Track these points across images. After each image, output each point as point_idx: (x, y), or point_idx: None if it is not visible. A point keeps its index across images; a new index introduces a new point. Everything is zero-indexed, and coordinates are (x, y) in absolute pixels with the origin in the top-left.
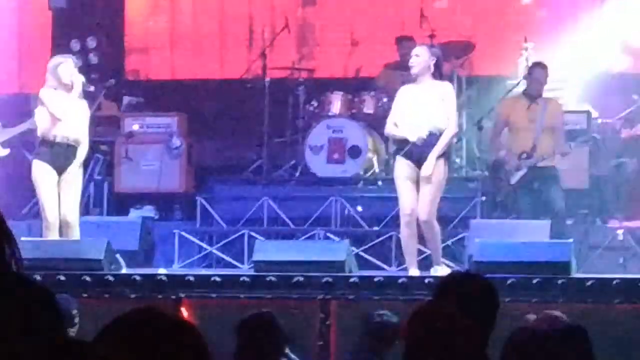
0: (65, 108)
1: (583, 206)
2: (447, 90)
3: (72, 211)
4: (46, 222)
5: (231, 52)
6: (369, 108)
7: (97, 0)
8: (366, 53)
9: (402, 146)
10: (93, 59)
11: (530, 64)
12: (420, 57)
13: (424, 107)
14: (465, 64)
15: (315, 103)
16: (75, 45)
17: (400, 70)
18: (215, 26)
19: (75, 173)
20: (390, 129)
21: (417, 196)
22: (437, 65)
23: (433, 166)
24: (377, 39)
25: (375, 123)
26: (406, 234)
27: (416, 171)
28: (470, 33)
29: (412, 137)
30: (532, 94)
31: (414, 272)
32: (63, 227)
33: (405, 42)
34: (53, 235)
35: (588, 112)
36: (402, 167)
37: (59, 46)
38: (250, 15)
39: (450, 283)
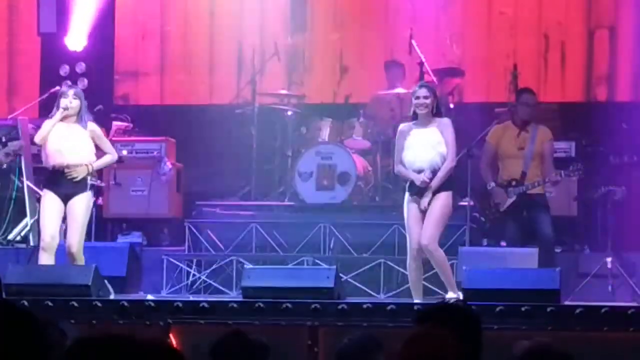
0: (49, 131)
1: (572, 234)
2: (445, 124)
3: (72, 244)
4: (42, 242)
5: (220, 77)
6: (358, 134)
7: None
8: (355, 80)
9: (412, 185)
10: (82, 84)
11: (517, 90)
12: (429, 99)
13: (428, 149)
14: (454, 91)
15: (304, 129)
16: (64, 70)
17: (388, 98)
18: (205, 52)
19: (79, 203)
20: (398, 168)
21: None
22: (437, 104)
23: (429, 199)
24: (366, 66)
25: (365, 150)
26: (413, 266)
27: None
28: (460, 60)
29: (417, 182)
30: (521, 120)
31: (419, 300)
32: (68, 256)
33: (394, 67)
34: (48, 256)
35: (576, 140)
36: (411, 204)
37: (48, 71)
38: (239, 41)
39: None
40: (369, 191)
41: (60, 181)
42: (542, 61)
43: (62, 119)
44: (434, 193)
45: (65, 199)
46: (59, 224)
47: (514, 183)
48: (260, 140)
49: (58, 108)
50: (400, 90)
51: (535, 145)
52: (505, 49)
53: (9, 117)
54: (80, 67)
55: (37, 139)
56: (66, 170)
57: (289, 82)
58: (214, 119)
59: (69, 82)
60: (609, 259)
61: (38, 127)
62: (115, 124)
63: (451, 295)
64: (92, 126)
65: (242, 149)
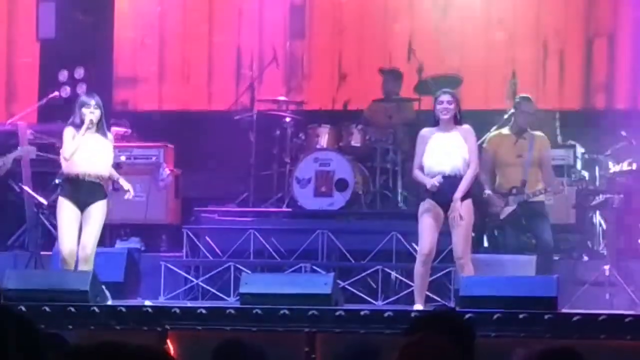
0: (78, 146)
1: (570, 241)
2: (468, 131)
3: (87, 245)
4: (61, 255)
5: (219, 84)
6: (356, 141)
7: (86, 31)
8: (354, 86)
9: (430, 190)
10: (81, 89)
11: (517, 97)
12: (453, 105)
13: (450, 153)
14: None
15: (302, 136)
16: (63, 76)
17: (387, 104)
18: (204, 58)
19: (97, 209)
20: (415, 173)
21: (436, 238)
22: (459, 111)
23: (459, 208)
24: (365, 72)
25: (363, 156)
26: (420, 272)
27: (441, 214)
28: (458, 67)
29: (428, 186)
30: (520, 128)
31: (419, 307)
32: (79, 260)
33: (388, 74)
34: (65, 267)
35: (574, 148)
36: (428, 209)
37: (47, 77)
38: (238, 47)
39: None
40: (367, 198)
41: (79, 190)
42: (541, 69)
43: (77, 126)
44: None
45: (83, 207)
46: (76, 236)
47: (514, 191)
48: (259, 146)
49: (79, 117)
50: (397, 96)
51: (534, 152)
52: (504, 56)
53: (8, 122)
54: (79, 72)
55: (67, 154)
56: (93, 181)
57: (288, 89)
58: (213, 125)
59: (68, 88)
60: (606, 267)
61: (37, 132)
62: (114, 129)
63: None
64: (110, 136)
65: (240, 155)
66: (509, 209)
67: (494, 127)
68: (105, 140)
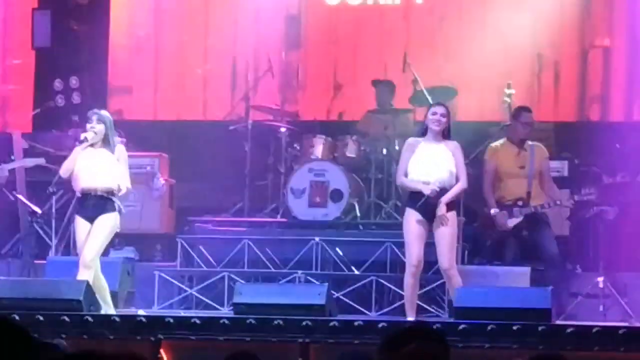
0: (82, 160)
1: (564, 253)
2: (457, 146)
3: (85, 254)
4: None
5: (214, 93)
6: (351, 152)
7: (81, 40)
8: (349, 97)
9: (415, 198)
10: (76, 98)
11: (514, 108)
12: (446, 118)
13: (438, 164)
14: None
15: (297, 146)
16: (58, 85)
17: (382, 115)
18: (199, 67)
19: (101, 221)
20: (402, 180)
21: (423, 249)
22: (449, 125)
23: (444, 211)
24: (360, 83)
25: (358, 167)
26: (410, 284)
27: (426, 225)
28: (453, 78)
29: (426, 191)
30: (519, 139)
31: (411, 319)
32: (78, 267)
33: (381, 85)
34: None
35: (570, 159)
36: (413, 220)
37: (42, 86)
38: (233, 57)
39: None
40: (361, 209)
41: (88, 205)
42: (536, 81)
43: (91, 144)
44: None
45: (92, 221)
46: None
47: (520, 203)
48: (253, 156)
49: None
50: (390, 107)
51: (535, 163)
52: (499, 68)
53: (3, 131)
54: (74, 81)
55: (62, 172)
56: (102, 195)
57: (283, 99)
58: (208, 135)
59: (63, 97)
60: (600, 279)
61: (31, 140)
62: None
63: None
64: (120, 149)
65: (235, 165)
66: (514, 221)
67: (490, 140)
68: (110, 155)
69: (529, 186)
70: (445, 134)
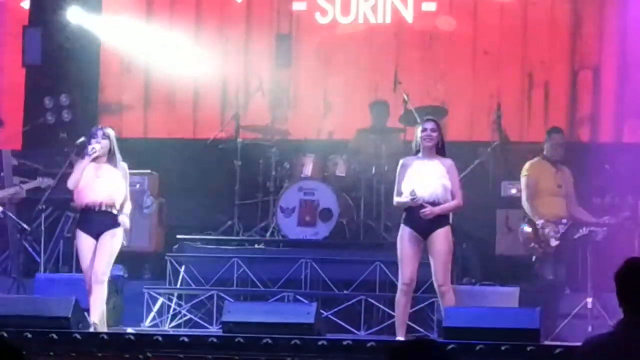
0: (86, 176)
1: (553, 273)
2: (451, 164)
3: (96, 271)
4: (87, 286)
5: (204, 112)
6: (341, 171)
7: (72, 58)
8: (339, 116)
9: (410, 216)
10: (66, 116)
11: (548, 128)
12: (436, 134)
13: (432, 180)
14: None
15: (287, 165)
16: (48, 102)
17: (373, 134)
18: (189, 86)
19: (106, 237)
20: (396, 199)
21: (417, 267)
22: (442, 140)
23: (433, 210)
24: (350, 102)
25: (348, 186)
26: (401, 302)
27: (421, 243)
28: (443, 98)
29: (411, 202)
30: (554, 159)
31: (401, 338)
32: (93, 283)
33: (379, 107)
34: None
35: None
36: (407, 238)
37: (32, 103)
38: (224, 75)
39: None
40: (351, 228)
41: (92, 220)
42: (526, 100)
43: (94, 159)
44: (435, 229)
45: (97, 236)
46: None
47: (564, 221)
48: (243, 175)
49: (88, 147)
50: (384, 127)
51: (568, 182)
52: (489, 88)
53: None
54: (65, 99)
55: (70, 184)
56: (105, 210)
57: (273, 118)
58: (198, 153)
59: (53, 115)
60: (589, 300)
61: (21, 158)
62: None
63: None
64: (124, 166)
65: (225, 183)
66: (558, 236)
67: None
68: (115, 170)
69: (568, 205)
70: (440, 150)
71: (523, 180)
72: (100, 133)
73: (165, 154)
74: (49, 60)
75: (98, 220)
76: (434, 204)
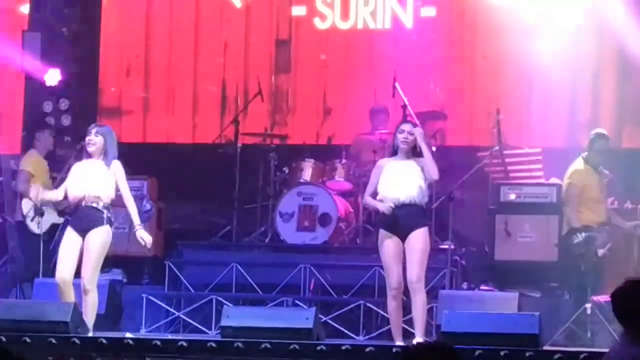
0: (76, 172)
1: (552, 279)
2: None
3: (84, 277)
4: (56, 280)
5: (204, 116)
6: (340, 176)
7: (71, 62)
8: (338, 121)
9: (384, 218)
10: (65, 121)
11: (592, 134)
12: (414, 136)
13: (407, 180)
14: (437, 134)
15: (286, 170)
16: (47, 107)
17: (372, 139)
18: (189, 90)
19: (93, 237)
20: (366, 200)
21: (401, 269)
22: (417, 145)
23: (416, 216)
24: (349, 107)
25: (346, 191)
26: (393, 307)
27: (400, 244)
28: (443, 103)
29: (381, 209)
30: (595, 165)
31: (399, 343)
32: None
33: (379, 113)
34: (61, 296)
35: (558, 185)
36: (386, 241)
37: (32, 108)
38: (223, 80)
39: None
40: (349, 233)
41: (78, 216)
42: (525, 106)
43: (88, 156)
44: (412, 229)
45: (83, 234)
46: (74, 262)
47: (607, 228)
48: (242, 179)
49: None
50: (383, 131)
51: (605, 188)
52: (489, 93)
53: None
54: (64, 103)
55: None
56: (92, 206)
57: (272, 122)
58: (197, 158)
59: (52, 119)
60: (588, 305)
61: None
62: None
63: (419, 340)
64: (116, 165)
65: (224, 188)
66: (607, 246)
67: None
68: (105, 167)
69: (608, 212)
70: (416, 152)
71: (568, 188)
72: (93, 130)
73: (164, 159)
74: (48, 65)
75: (82, 215)
76: (410, 205)
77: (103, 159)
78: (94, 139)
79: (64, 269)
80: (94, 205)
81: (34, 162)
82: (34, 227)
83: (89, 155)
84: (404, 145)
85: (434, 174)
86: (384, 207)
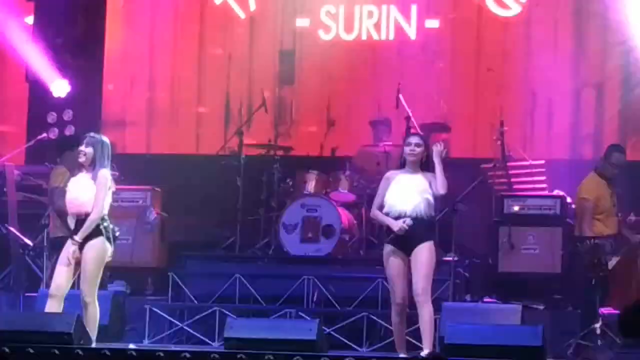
0: (71, 186)
1: (555, 291)
2: (433, 176)
3: (82, 291)
4: (50, 289)
5: (208, 128)
6: (343, 187)
7: (75, 73)
8: (342, 133)
9: (391, 233)
10: (69, 131)
11: (608, 146)
12: (421, 149)
13: (415, 194)
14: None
15: (290, 181)
16: (51, 117)
17: (376, 151)
18: (193, 101)
19: (89, 250)
20: (375, 213)
21: (406, 284)
22: (428, 156)
23: (422, 231)
24: (353, 119)
25: (350, 203)
26: (396, 322)
27: (406, 259)
28: (446, 115)
29: (395, 228)
30: (609, 177)
31: (403, 355)
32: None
33: (379, 124)
34: (51, 305)
35: (562, 198)
36: (392, 256)
37: (35, 118)
38: (227, 92)
39: None
40: (353, 244)
41: (76, 229)
42: (529, 118)
43: (80, 167)
44: (418, 243)
45: (81, 247)
46: (69, 274)
47: (618, 238)
48: (246, 191)
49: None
50: (387, 143)
51: (616, 200)
52: (492, 105)
53: None
54: (68, 114)
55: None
56: (79, 219)
57: (276, 134)
58: (201, 169)
59: (56, 130)
60: (597, 325)
61: (24, 173)
62: None
63: (427, 352)
64: (100, 174)
65: (227, 199)
66: (615, 259)
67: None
68: (89, 179)
69: (619, 224)
70: (424, 165)
71: (582, 202)
72: (85, 140)
73: (168, 170)
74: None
75: (78, 228)
76: (417, 219)
77: (91, 171)
78: (84, 150)
79: (57, 280)
80: (85, 219)
81: (65, 178)
82: None
83: (81, 166)
84: (412, 158)
85: (442, 189)
86: (397, 226)
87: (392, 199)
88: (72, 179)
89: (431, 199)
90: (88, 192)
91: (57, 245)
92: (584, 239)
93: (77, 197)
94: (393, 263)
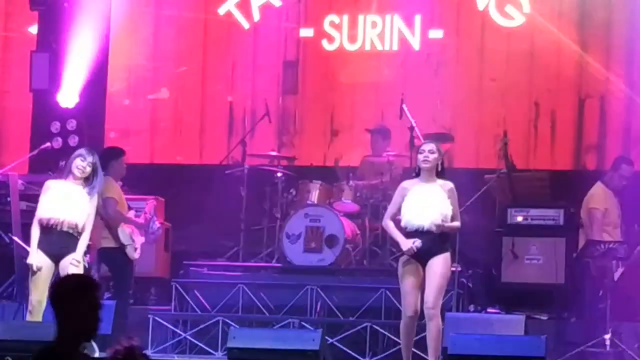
0: (57, 193)
1: (559, 301)
2: (452, 189)
3: None
4: (30, 305)
5: (211, 137)
6: (347, 197)
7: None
8: (346, 143)
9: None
10: (72, 141)
11: (616, 158)
12: (435, 155)
13: (432, 206)
14: (444, 156)
15: (293, 191)
16: (55, 127)
17: (379, 161)
18: (196, 111)
19: (74, 263)
20: (387, 224)
21: (419, 297)
22: (442, 164)
23: (439, 242)
24: (356, 129)
25: (353, 213)
26: (405, 332)
27: (421, 271)
28: (450, 125)
29: (404, 248)
30: (616, 188)
31: None
32: None
33: (376, 133)
34: (29, 317)
35: (565, 208)
36: (406, 267)
37: (39, 127)
38: (231, 101)
39: None
40: (356, 254)
41: (51, 239)
42: (532, 128)
43: (73, 178)
44: (435, 254)
45: (55, 259)
46: (43, 288)
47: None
48: (249, 201)
49: (68, 167)
50: (390, 153)
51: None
52: (496, 115)
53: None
54: (72, 124)
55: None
56: (67, 231)
57: (279, 144)
58: (204, 179)
59: (60, 140)
60: (607, 336)
61: (28, 182)
62: None
63: None
64: (95, 198)
65: (230, 209)
66: (620, 270)
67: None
68: (85, 195)
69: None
70: (439, 173)
71: (593, 212)
72: (88, 159)
73: (171, 180)
74: (56, 85)
75: (57, 240)
76: (432, 233)
77: (86, 187)
78: (87, 169)
79: (38, 298)
80: (70, 231)
81: (115, 188)
82: (132, 253)
83: (70, 175)
84: (426, 165)
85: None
86: (406, 246)
87: (409, 214)
88: (59, 184)
89: (448, 213)
90: (84, 207)
91: (104, 257)
92: (598, 242)
93: (75, 210)
94: (408, 275)
